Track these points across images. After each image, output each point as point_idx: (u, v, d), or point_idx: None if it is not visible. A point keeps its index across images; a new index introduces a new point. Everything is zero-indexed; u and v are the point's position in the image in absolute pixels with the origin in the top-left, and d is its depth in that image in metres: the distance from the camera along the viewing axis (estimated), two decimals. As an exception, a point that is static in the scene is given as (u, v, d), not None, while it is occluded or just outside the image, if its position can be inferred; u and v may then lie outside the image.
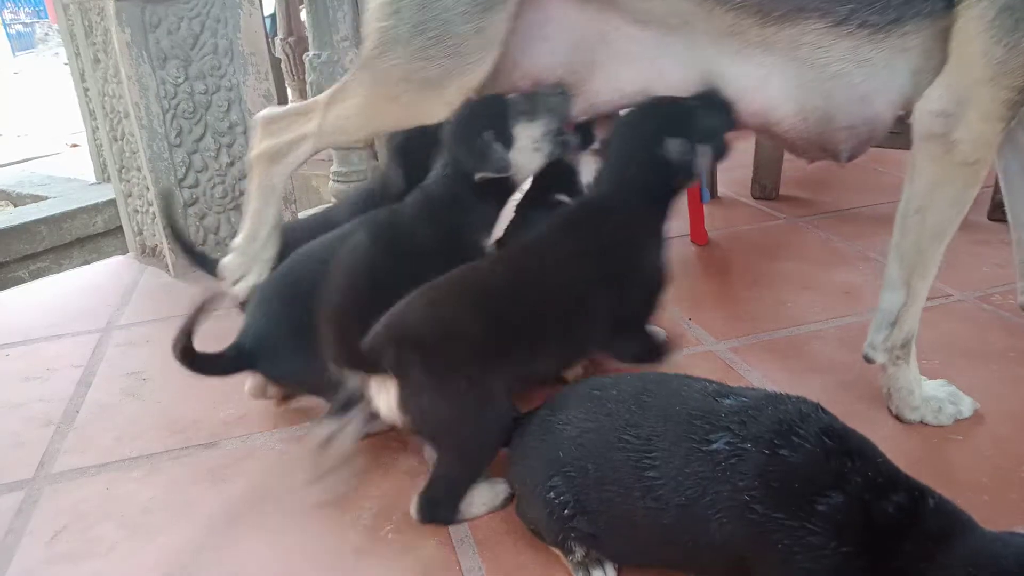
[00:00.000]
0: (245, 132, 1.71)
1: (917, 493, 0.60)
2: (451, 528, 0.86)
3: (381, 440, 1.03)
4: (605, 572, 0.76)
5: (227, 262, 1.11)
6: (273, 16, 3.70)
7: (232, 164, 1.71)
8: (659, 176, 0.96)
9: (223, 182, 1.71)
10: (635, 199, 0.97)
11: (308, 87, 1.96)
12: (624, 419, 0.72)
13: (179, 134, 1.63)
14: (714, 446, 0.66)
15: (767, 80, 0.91)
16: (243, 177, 1.73)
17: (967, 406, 0.97)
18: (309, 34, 1.94)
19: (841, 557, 0.59)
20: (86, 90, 2.32)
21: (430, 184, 1.04)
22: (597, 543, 0.74)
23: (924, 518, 0.59)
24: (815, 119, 0.91)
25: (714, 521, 0.64)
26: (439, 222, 1.01)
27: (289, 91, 3.74)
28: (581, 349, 0.98)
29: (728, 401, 0.69)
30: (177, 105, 1.62)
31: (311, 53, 1.94)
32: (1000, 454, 0.91)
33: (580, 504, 0.72)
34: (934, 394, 0.97)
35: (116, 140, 1.73)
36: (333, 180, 2.06)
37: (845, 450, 0.63)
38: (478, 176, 0.99)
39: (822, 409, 0.67)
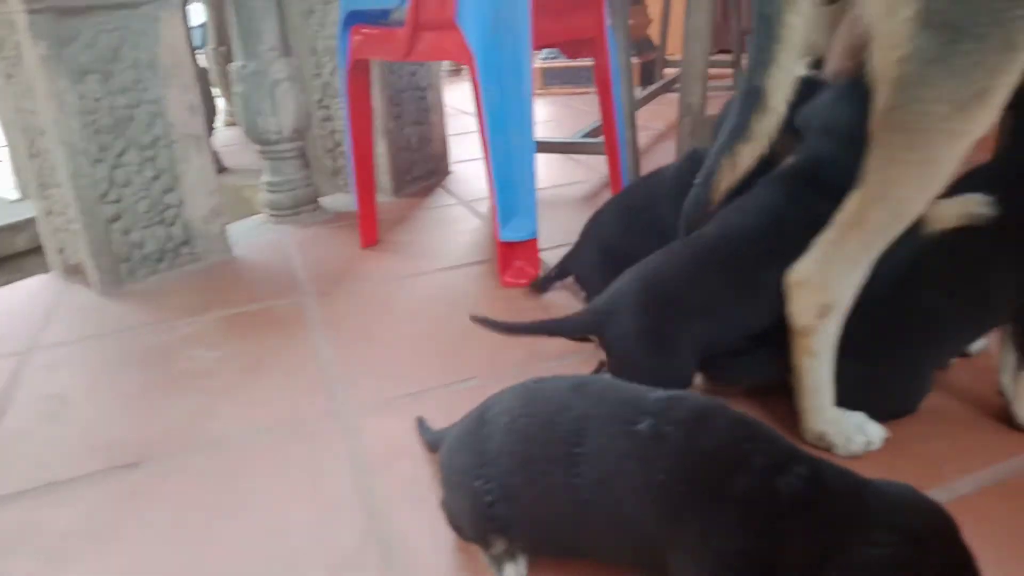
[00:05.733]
0: (169, 145, 1.68)
1: (816, 463, 0.64)
2: (379, 535, 0.87)
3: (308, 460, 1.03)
4: (517, 566, 0.77)
5: None
6: (204, 25, 3.65)
7: (157, 178, 1.68)
8: None
9: (148, 196, 1.67)
10: None
11: (235, 98, 1.95)
12: (558, 403, 0.74)
13: (101, 149, 1.59)
14: (639, 427, 0.69)
15: None
16: (168, 190, 1.71)
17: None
18: (234, 44, 1.93)
19: (753, 535, 0.62)
20: None
21: None
22: (514, 530, 0.75)
23: (827, 481, 0.63)
24: None
25: (629, 500, 0.67)
26: None
27: (222, 101, 3.69)
28: None
29: (655, 394, 0.72)
30: (97, 120, 1.58)
31: (238, 64, 1.92)
32: (891, 430, 0.95)
33: (503, 489, 0.74)
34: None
35: (34, 157, 1.68)
36: (265, 190, 2.04)
37: (750, 436, 0.66)
38: None
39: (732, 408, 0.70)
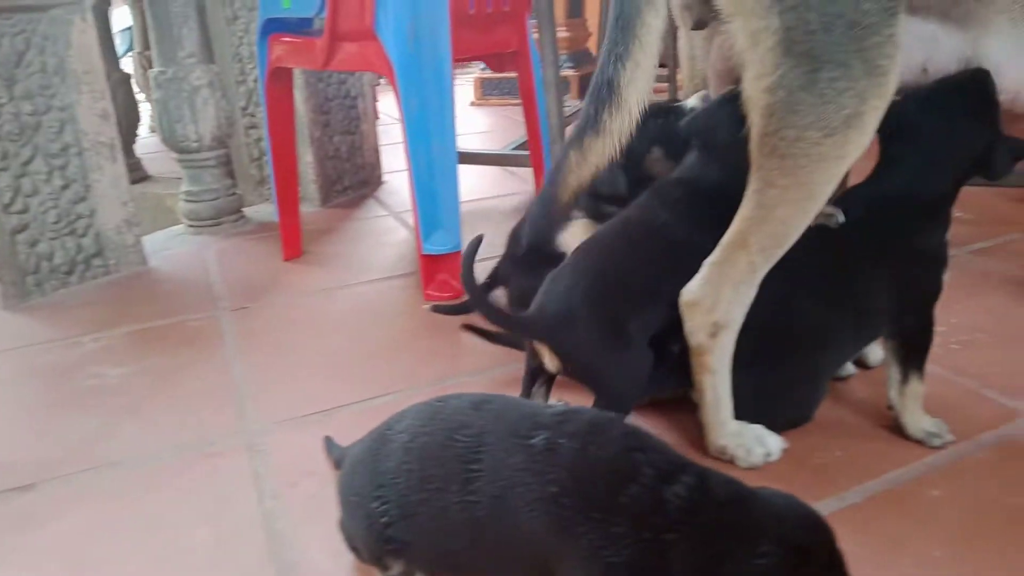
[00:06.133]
0: (80, 153, 1.63)
1: (703, 472, 0.65)
2: (278, 557, 0.85)
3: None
4: None
5: None
6: (131, 29, 3.55)
7: (66, 187, 1.62)
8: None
9: (56, 206, 1.61)
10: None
11: (154, 104, 1.89)
12: (458, 421, 0.74)
13: (4, 157, 1.53)
14: (533, 441, 0.69)
15: (1017, 57, 0.92)
16: (79, 200, 1.65)
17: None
18: (153, 50, 1.88)
19: (643, 544, 0.62)
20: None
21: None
22: (411, 552, 0.74)
23: (713, 490, 0.64)
24: None
25: (523, 513, 0.67)
26: None
27: (149, 106, 3.59)
28: None
29: (553, 409, 0.73)
30: (0, 127, 1.51)
31: (156, 70, 1.87)
32: (792, 442, 0.98)
33: (399, 510, 0.73)
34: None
35: (-67, 164, 1.60)
36: (184, 200, 1.99)
37: (640, 447, 0.67)
38: None
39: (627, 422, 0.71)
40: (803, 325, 0.99)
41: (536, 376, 1.03)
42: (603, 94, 0.88)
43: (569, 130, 2.20)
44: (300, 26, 1.55)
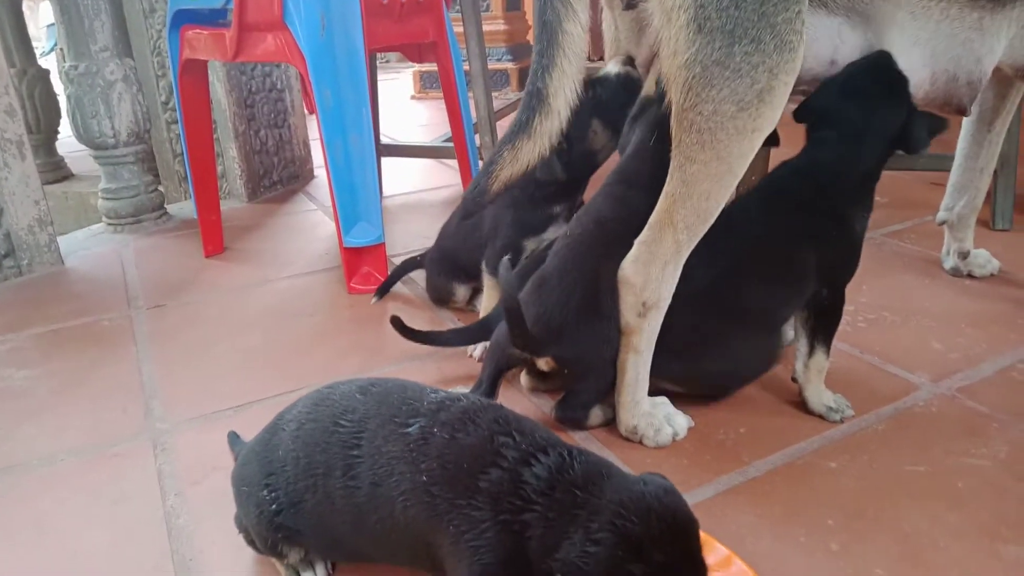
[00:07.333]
0: (-16, 151, 1.57)
1: (566, 453, 0.64)
2: (177, 555, 0.83)
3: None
4: (315, 572, 0.76)
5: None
6: (54, 25, 3.43)
7: (-30, 186, 1.56)
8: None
9: (-41, 206, 1.55)
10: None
11: (67, 99, 1.83)
12: (343, 406, 0.73)
13: (-99, 155, 1.47)
14: (409, 429, 0.68)
15: (912, 49, 0.99)
16: (-15, 200, 1.59)
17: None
18: (63, 44, 1.81)
19: (500, 526, 0.62)
20: None
21: None
22: (303, 539, 0.74)
23: (571, 471, 0.63)
24: (943, 80, 1.03)
25: (398, 503, 0.66)
26: None
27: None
28: None
29: (434, 395, 0.72)
30: None
31: (67, 64, 1.81)
32: (699, 419, 1.01)
33: (288, 497, 0.72)
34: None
35: None
36: (102, 197, 1.93)
37: (507, 431, 0.67)
38: None
39: (503, 407, 0.71)
40: (748, 304, 1.01)
41: (500, 376, 1.04)
42: (533, 103, 0.94)
43: (501, 123, 2.20)
44: (211, 17, 1.51)
